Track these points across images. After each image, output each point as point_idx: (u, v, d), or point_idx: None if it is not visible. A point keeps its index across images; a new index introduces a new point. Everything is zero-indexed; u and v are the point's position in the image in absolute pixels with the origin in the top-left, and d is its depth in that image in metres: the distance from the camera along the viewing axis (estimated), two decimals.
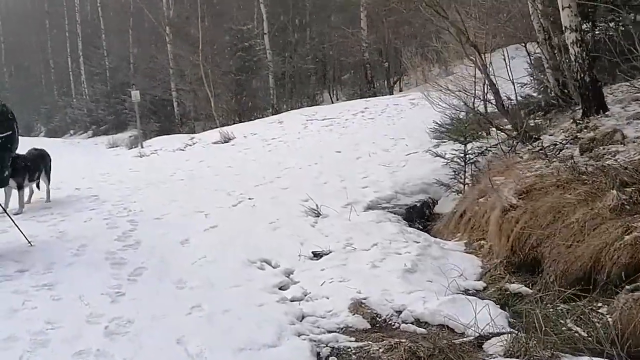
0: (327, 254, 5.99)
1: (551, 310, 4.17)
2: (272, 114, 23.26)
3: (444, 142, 11.73)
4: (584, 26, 8.46)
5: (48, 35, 44.99)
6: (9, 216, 6.83)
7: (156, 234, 6.92)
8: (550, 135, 7.57)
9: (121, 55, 33.69)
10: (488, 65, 8.46)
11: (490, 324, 3.97)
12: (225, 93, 22.78)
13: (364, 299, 4.73)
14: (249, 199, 8.52)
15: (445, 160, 8.31)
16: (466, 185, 7.84)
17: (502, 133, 8.20)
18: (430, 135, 12.38)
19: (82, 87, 39.17)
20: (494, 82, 8.24)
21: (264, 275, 5.55)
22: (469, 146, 8.01)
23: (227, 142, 16.62)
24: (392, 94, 24.76)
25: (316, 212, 7.56)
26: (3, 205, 7.36)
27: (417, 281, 5.05)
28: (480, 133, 7.99)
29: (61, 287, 5.16)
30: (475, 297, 4.70)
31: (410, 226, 7.29)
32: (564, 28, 7.44)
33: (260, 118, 22.54)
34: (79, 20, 37.73)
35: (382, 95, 23.86)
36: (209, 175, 10.79)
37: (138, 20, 32.51)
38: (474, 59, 8.23)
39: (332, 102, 27.85)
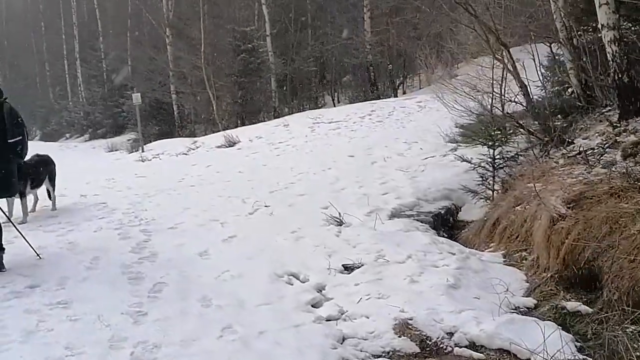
0: (359, 267, 5.60)
1: (620, 332, 3.80)
2: (274, 117, 22.90)
3: (460, 145, 11.42)
4: None
5: (43, 38, 44.50)
6: (15, 226, 6.44)
7: (172, 245, 6.52)
8: (584, 139, 7.21)
9: (119, 58, 33.24)
10: (512, 65, 8.07)
11: (561, 349, 3.59)
12: (227, 96, 22.35)
13: (410, 319, 4.35)
14: (266, 206, 8.12)
15: (472, 165, 7.92)
16: (495, 192, 7.47)
17: (531, 137, 7.82)
18: (444, 139, 12.09)
19: (78, 89, 38.72)
20: (525, 82, 7.86)
21: (294, 291, 5.15)
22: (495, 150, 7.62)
23: (232, 146, 16.24)
24: (397, 96, 24.41)
25: (339, 220, 7.18)
26: (7, 214, 6.96)
27: (463, 298, 4.67)
28: (509, 137, 7.58)
29: (77, 305, 4.77)
30: (529, 317, 4.33)
31: (438, 235, 6.92)
32: (600, 26, 7.08)
33: (263, 121, 22.17)
34: (76, 22, 37.24)
35: (386, 98, 23.53)
36: (219, 181, 10.38)
37: (136, 22, 32.09)
38: (502, 58, 7.85)
39: (334, 105, 27.51)
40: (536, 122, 7.88)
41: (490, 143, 7.49)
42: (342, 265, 5.67)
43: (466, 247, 6.47)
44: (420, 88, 27.90)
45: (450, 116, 16.17)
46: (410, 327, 4.26)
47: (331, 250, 6.10)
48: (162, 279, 5.40)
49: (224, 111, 22.34)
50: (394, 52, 25.70)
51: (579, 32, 9.28)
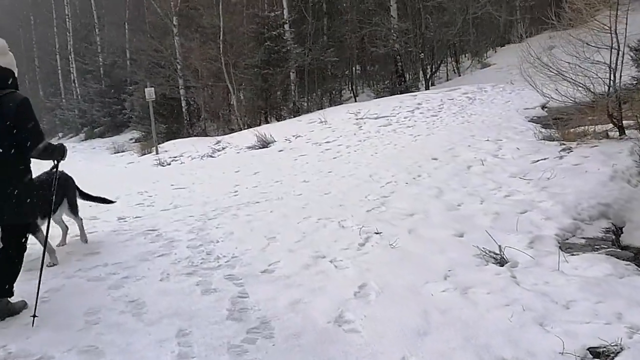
0: (617, 352, 3.52)
1: None
2: (294, 112, 20.91)
3: (564, 143, 9.48)
4: None
5: (33, 32, 42.09)
6: None
7: (284, 303, 4.41)
8: None
9: (117, 51, 30.94)
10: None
11: None
12: (247, 89, 20.15)
13: None
14: (376, 233, 6.01)
15: None
16: None
17: None
18: (537, 136, 10.25)
19: (72, 86, 36.40)
20: None
21: None
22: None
23: (266, 146, 14.14)
24: (428, 88, 22.42)
25: (497, 256, 5.11)
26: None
27: None
28: None
29: None
30: None
31: None
32: None
33: (285, 118, 20.13)
34: (69, 14, 34.82)
35: (415, 91, 21.60)
36: (287, 196, 8.15)
37: (136, 12, 29.80)
38: None
39: (355, 99, 25.52)
40: None
41: None
42: (588, 349, 3.59)
43: None
44: (448, 80, 25.99)
45: (514, 107, 14.30)
46: None
47: (537, 315, 4.01)
48: None
49: (245, 107, 20.13)
50: (422, 40, 23.70)
51: None
